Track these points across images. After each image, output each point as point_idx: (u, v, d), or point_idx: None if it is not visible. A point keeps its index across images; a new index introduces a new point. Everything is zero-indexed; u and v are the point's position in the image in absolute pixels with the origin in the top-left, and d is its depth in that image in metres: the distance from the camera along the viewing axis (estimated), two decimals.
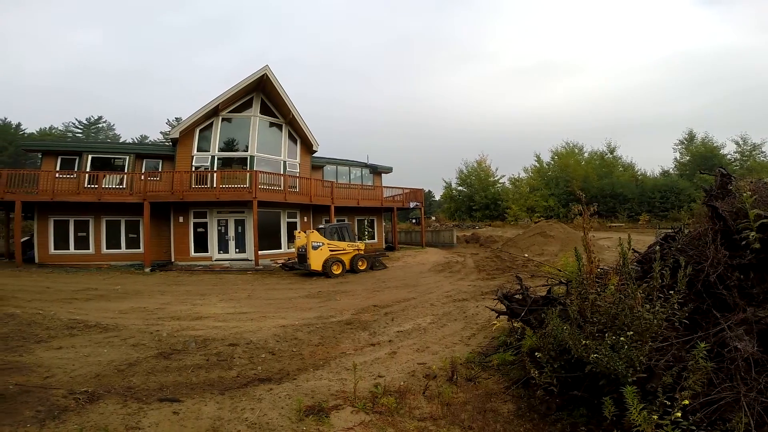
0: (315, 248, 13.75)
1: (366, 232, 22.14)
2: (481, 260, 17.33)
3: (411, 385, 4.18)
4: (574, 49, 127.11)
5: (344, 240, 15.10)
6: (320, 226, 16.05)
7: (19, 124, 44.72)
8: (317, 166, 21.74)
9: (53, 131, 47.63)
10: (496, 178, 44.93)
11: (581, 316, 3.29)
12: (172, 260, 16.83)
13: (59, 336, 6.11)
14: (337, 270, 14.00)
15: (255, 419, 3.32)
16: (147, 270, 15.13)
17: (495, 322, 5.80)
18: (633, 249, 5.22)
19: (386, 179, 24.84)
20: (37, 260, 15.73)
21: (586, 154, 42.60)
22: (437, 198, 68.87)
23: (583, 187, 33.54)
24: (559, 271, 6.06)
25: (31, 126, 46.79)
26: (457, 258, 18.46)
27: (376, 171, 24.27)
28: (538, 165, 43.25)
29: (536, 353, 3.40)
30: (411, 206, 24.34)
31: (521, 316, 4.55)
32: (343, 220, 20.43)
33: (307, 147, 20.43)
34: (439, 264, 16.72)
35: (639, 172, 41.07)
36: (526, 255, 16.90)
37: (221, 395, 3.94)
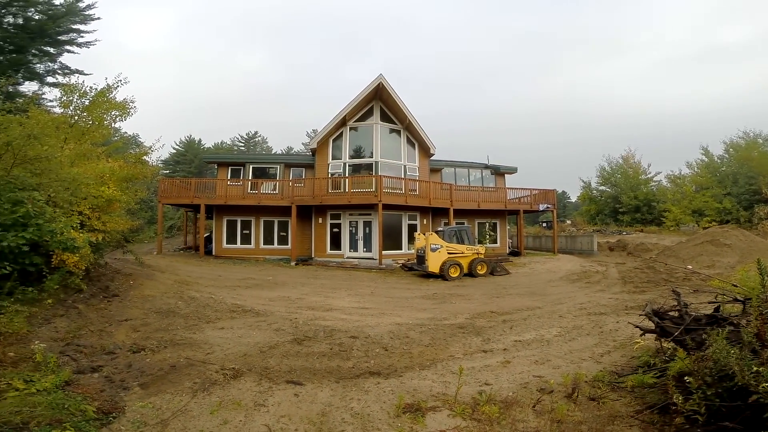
0: (433, 250, 13.81)
1: (487, 236, 21.22)
2: (628, 271, 14.91)
3: (520, 397, 3.87)
4: (749, 27, 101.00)
5: (463, 243, 14.79)
6: (439, 229, 16.05)
7: (200, 140, 56.61)
8: (435, 168, 21.85)
9: (224, 145, 58.92)
10: (648, 176, 38.03)
11: (758, 339, 2.90)
12: (312, 256, 19.03)
13: (223, 318, 7.41)
14: (454, 273, 13.80)
15: (359, 409, 3.52)
16: (293, 264, 17.47)
17: (638, 340, 5.00)
18: None
19: (511, 180, 23.48)
20: (214, 253, 19.62)
21: None
22: (573, 199, 62.07)
23: None
24: (735, 286, 4.93)
25: (208, 141, 58.88)
26: (597, 267, 16.28)
27: (499, 172, 23.12)
28: (706, 159, 35.11)
29: (686, 377, 3.01)
30: (540, 209, 22.46)
31: (674, 336, 3.95)
32: (463, 223, 20.03)
33: (425, 150, 20.73)
34: (573, 273, 15.00)
35: None
36: (690, 267, 13.86)
37: (336, 383, 4.28)
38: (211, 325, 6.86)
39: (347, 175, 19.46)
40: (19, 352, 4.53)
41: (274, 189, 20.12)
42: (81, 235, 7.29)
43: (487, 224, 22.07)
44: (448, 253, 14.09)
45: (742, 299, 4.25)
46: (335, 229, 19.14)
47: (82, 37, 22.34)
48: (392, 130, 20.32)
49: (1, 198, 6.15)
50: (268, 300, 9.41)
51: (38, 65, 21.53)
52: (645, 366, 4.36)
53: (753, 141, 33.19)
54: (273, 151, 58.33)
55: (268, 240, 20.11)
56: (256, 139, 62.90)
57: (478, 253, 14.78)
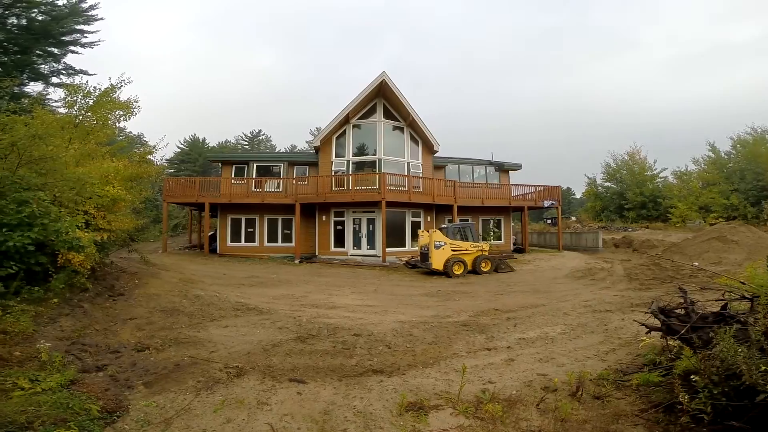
0: (437, 247, 13.77)
1: (491, 233, 21.14)
2: (634, 268, 14.81)
3: (524, 395, 3.85)
4: (754, 26, 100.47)
5: (467, 240, 14.74)
6: (443, 226, 16.02)
7: (204, 139, 57.00)
8: (439, 165, 21.79)
9: (228, 144, 59.17)
10: (654, 172, 37.73)
11: (767, 337, 2.90)
12: (316, 253, 19.07)
13: (227, 316, 7.40)
14: (458, 270, 13.77)
15: (361, 408, 3.51)
16: (296, 261, 17.51)
17: (644, 338, 4.97)
18: None
19: (516, 177, 23.37)
20: (218, 251, 19.70)
21: None
22: (578, 196, 61.80)
23: None
24: (742, 283, 4.87)
25: (212, 140, 59.18)
26: (602, 264, 16.17)
27: (503, 168, 23.01)
28: (713, 155, 34.72)
29: (692, 376, 3.02)
30: (545, 205, 22.32)
31: (680, 334, 3.94)
32: (467, 220, 19.97)
33: (429, 147, 20.68)
34: (578, 270, 14.91)
35: None
36: (696, 264, 13.73)
37: (339, 381, 4.27)
38: (215, 324, 6.85)
39: (351, 172, 19.44)
40: (24, 351, 4.55)
41: (278, 187, 20.16)
42: (86, 234, 7.31)
43: (492, 221, 22.04)
44: (452, 250, 14.05)
45: (750, 297, 4.18)
46: (339, 227, 19.16)
47: (86, 37, 22.35)
48: (395, 128, 20.27)
49: (7, 198, 6.19)
50: (272, 298, 9.41)
51: (42, 66, 21.57)
52: (650, 364, 4.33)
53: (761, 137, 32.78)
54: (277, 150, 58.43)
55: (272, 238, 20.17)
56: (260, 138, 62.97)
57: (482, 250, 14.73)
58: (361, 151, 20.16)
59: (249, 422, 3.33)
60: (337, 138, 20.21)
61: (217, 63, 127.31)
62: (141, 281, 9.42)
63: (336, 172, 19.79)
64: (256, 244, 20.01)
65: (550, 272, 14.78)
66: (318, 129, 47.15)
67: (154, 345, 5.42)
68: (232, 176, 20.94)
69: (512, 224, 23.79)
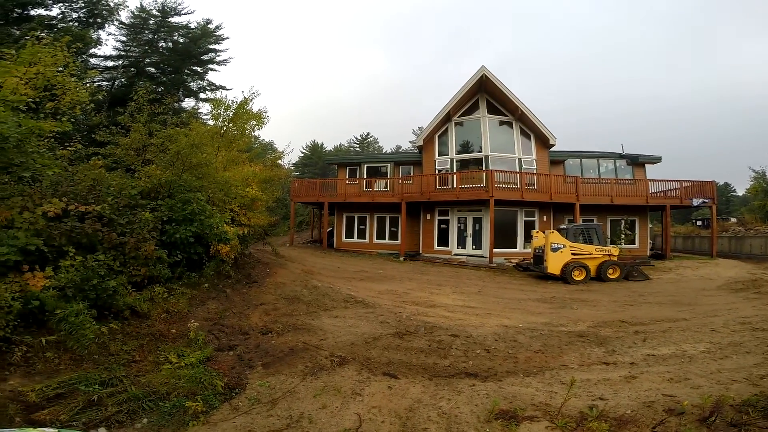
0: (554, 250, 12.65)
1: (622, 236, 18.44)
2: None
3: (640, 416, 3.35)
4: None
5: (591, 243, 13.19)
6: (562, 227, 14.64)
7: (323, 144, 63.52)
8: (557, 160, 19.87)
9: (342, 147, 64.43)
10: None
11: None
12: (420, 252, 19.32)
13: (338, 307, 8.00)
14: (578, 276, 12.42)
15: (447, 409, 3.48)
16: (401, 258, 18.02)
17: None
18: None
19: (655, 172, 20.03)
20: (335, 246, 21.45)
21: None
22: (740, 193, 50.42)
23: None
24: None
25: (329, 144, 65.75)
26: None
27: (636, 162, 19.84)
28: None
29: None
30: (694, 204, 18.64)
31: None
32: (591, 221, 17.88)
33: (543, 141, 19.01)
34: (737, 281, 12.17)
35: None
36: None
37: (429, 380, 4.30)
38: (328, 313, 7.44)
39: (455, 170, 19.12)
40: (179, 329, 5.61)
41: (386, 187, 20.97)
42: (231, 229, 8.69)
43: (623, 222, 19.24)
44: (572, 253, 12.73)
45: None
46: (443, 226, 19.03)
47: (219, 56, 26.41)
48: (502, 122, 19.23)
49: (175, 198, 7.78)
50: (377, 292, 9.82)
51: (192, 83, 26.19)
52: None
53: None
54: (384, 150, 60.82)
55: (380, 235, 21.07)
56: (369, 140, 66.34)
57: (609, 255, 13.02)
58: (465, 148, 19.64)
59: (341, 410, 3.57)
60: (439, 136, 20.08)
61: (331, 68, 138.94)
62: (271, 271, 10.76)
63: (440, 171, 19.67)
64: (367, 240, 21.16)
65: (697, 282, 12.39)
66: (420, 128, 47.66)
67: (276, 329, 6.16)
68: (346, 177, 22.53)
69: (650, 226, 20.48)
